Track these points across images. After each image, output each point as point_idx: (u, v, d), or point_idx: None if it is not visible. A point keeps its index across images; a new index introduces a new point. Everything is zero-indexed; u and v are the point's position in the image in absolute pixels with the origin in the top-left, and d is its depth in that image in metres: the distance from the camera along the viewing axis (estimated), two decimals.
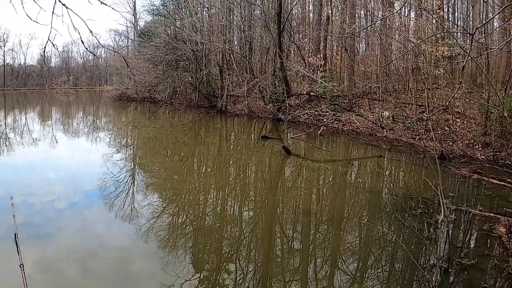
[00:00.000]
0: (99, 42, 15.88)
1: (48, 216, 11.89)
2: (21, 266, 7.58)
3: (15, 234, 9.22)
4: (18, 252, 8.33)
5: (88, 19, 8.91)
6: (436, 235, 9.19)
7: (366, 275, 8.48)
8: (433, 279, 7.45)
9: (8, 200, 11.24)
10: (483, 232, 10.29)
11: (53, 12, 8.45)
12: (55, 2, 8.37)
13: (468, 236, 10.83)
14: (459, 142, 21.06)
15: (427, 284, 7.59)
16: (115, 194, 13.99)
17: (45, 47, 12.53)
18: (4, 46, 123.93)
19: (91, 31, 9.61)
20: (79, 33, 9.35)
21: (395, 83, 31.67)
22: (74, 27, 8.80)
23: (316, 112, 30.40)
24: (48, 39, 9.14)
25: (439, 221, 9.58)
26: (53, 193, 14.18)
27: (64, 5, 8.44)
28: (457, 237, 10.39)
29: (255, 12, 45.73)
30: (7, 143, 25.58)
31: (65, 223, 11.35)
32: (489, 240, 9.96)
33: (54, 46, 10.57)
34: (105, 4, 8.93)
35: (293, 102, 36.42)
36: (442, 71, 24.43)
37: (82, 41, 10.93)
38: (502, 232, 9.76)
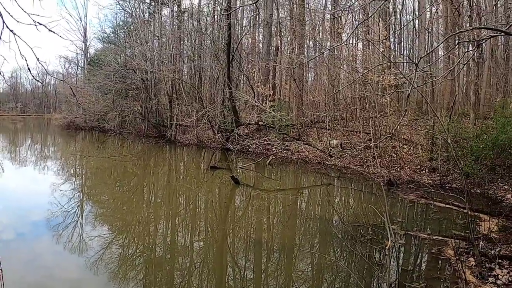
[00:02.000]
0: (46, 70, 15.59)
1: None
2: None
3: None
4: None
5: (35, 46, 8.82)
6: (386, 260, 9.28)
7: None
8: None
9: None
10: (432, 256, 10.49)
11: (0, 38, 8.33)
12: (3, 28, 8.26)
13: (418, 260, 10.98)
14: (406, 168, 21.51)
15: None
16: (64, 225, 13.70)
17: None
18: None
19: (38, 59, 9.50)
20: (26, 60, 9.23)
21: (343, 111, 32.23)
22: (21, 54, 8.70)
23: (265, 142, 30.63)
24: None
25: (387, 247, 9.71)
26: None
27: (11, 31, 8.34)
28: (407, 261, 10.55)
29: (205, 42, 46.01)
30: None
31: (12, 255, 11.03)
32: (439, 263, 10.13)
33: (1, 73, 10.45)
34: (53, 32, 8.83)
35: (242, 131, 36.63)
36: (388, 99, 24.97)
37: (29, 69, 10.75)
38: (451, 254, 10.00)
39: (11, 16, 8.16)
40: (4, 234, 12.88)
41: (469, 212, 11.07)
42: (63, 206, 16.36)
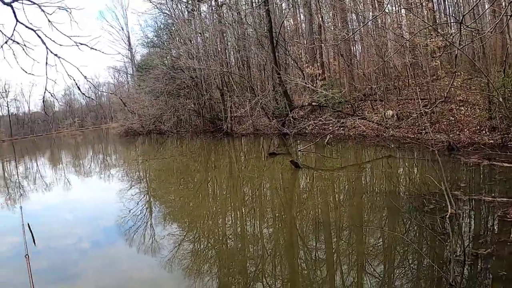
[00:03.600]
0: (94, 86, 16.10)
1: (72, 257, 11.99)
2: (27, 256, 7.82)
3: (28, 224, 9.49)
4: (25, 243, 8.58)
5: (81, 65, 9.15)
6: (449, 229, 9.20)
7: (391, 278, 8.53)
8: (450, 273, 7.50)
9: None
10: (499, 219, 10.31)
11: (46, 63, 8.68)
12: (47, 53, 8.60)
13: (484, 224, 10.81)
14: (465, 130, 21.11)
15: (444, 279, 7.64)
16: (135, 229, 14.08)
17: (43, 97, 12.76)
18: (6, 97, 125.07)
19: (85, 77, 9.88)
20: (74, 80, 9.59)
21: (395, 81, 31.77)
22: (68, 75, 9.05)
23: (321, 122, 30.51)
24: (45, 89, 9.40)
25: (447, 216, 9.64)
26: (73, 235, 14.29)
27: (56, 55, 8.67)
28: (472, 228, 10.41)
29: (247, 31, 45.96)
30: (21, 192, 25.76)
31: (90, 263, 11.45)
32: (504, 227, 9.96)
33: (52, 95, 10.88)
34: (95, 49, 9.16)
35: (297, 114, 36.49)
36: (438, 62, 24.53)
37: (78, 87, 11.24)
38: None
39: (53, 41, 8.50)
40: (80, 244, 13.35)
41: None
42: (132, 210, 16.78)
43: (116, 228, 14.58)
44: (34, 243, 10.77)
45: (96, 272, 10.74)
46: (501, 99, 15.69)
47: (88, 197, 22.06)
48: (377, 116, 27.58)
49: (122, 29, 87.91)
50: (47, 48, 8.59)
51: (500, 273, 7.72)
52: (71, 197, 22.48)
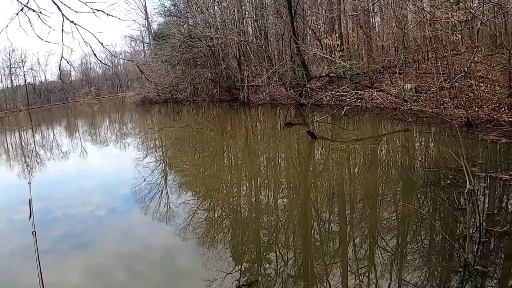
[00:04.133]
0: (111, 53, 16.10)
1: (90, 224, 12.20)
2: (34, 233, 7.87)
3: (30, 200, 9.58)
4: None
5: (98, 32, 9.06)
6: (466, 205, 9.14)
7: (404, 252, 8.51)
8: (466, 249, 7.46)
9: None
10: None
11: (62, 31, 8.61)
12: (63, 20, 8.54)
13: (500, 203, 10.71)
14: (484, 107, 20.86)
15: (460, 255, 7.60)
16: (150, 197, 14.23)
17: (60, 65, 12.77)
18: (23, 67, 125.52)
19: (102, 44, 9.79)
20: (91, 47, 9.52)
21: (414, 54, 31.45)
22: (85, 42, 8.98)
23: (338, 93, 30.33)
24: (62, 56, 9.31)
25: (465, 191, 9.58)
26: (90, 203, 14.46)
27: (72, 21, 8.61)
28: (488, 205, 10.33)
29: (265, 0, 45.63)
30: (38, 160, 25.99)
31: (105, 230, 11.66)
32: None
33: (69, 63, 10.80)
34: (112, 16, 9.05)
35: (314, 85, 36.37)
36: (459, 36, 24.19)
37: (95, 55, 11.17)
38: None
39: (69, 8, 8.44)
40: (98, 211, 13.54)
41: None
42: (147, 178, 16.94)
43: (132, 196, 14.74)
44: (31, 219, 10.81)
45: (112, 239, 10.92)
46: None
47: (104, 165, 22.29)
48: (395, 89, 27.30)
49: None
50: (63, 15, 8.51)
51: None
52: (88, 165, 22.68)
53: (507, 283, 6.99)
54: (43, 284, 5.92)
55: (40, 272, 6.66)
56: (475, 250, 7.82)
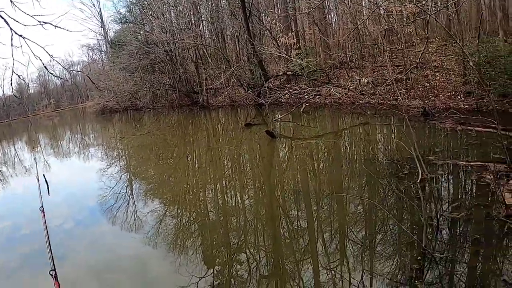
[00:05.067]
0: (62, 66, 15.96)
1: (58, 238, 12.07)
2: (41, 208, 7.89)
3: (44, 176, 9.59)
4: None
5: (48, 44, 9.04)
6: (421, 194, 9.33)
7: (369, 244, 8.69)
8: (423, 238, 7.66)
9: None
10: (472, 183, 10.52)
11: (12, 45, 8.60)
12: (12, 34, 8.53)
13: (457, 189, 10.99)
14: (440, 95, 21.32)
15: (417, 244, 7.80)
16: (117, 207, 14.15)
17: (11, 80, 12.64)
18: None
19: (51, 56, 9.78)
20: (41, 60, 9.52)
21: (370, 48, 31.88)
22: (34, 55, 8.97)
23: (296, 91, 30.59)
24: (13, 71, 9.32)
25: (418, 181, 9.78)
26: (57, 217, 14.32)
27: (21, 35, 8.60)
28: (446, 192, 10.62)
29: (221, 2, 45.76)
30: (1, 177, 25.62)
31: (75, 242, 11.57)
32: (478, 190, 10.15)
33: (19, 77, 10.80)
34: (60, 27, 9.08)
35: (272, 84, 36.53)
36: (413, 28, 24.62)
37: (45, 67, 11.17)
38: (491, 179, 9.78)
39: (18, 22, 8.43)
40: (66, 224, 13.43)
41: (503, 133, 11.04)
42: (113, 188, 16.83)
43: (99, 207, 14.63)
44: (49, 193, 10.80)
45: (81, 251, 10.83)
46: (472, 64, 15.82)
47: (68, 177, 22.02)
48: (352, 83, 27.68)
49: (94, 6, 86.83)
50: (11, 29, 8.50)
51: (474, 237, 7.91)
52: (52, 179, 22.38)
53: (465, 267, 7.19)
54: (53, 259, 5.88)
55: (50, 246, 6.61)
56: (434, 237, 8.04)
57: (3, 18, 8.37)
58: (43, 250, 7.00)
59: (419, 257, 7.43)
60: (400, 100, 22.66)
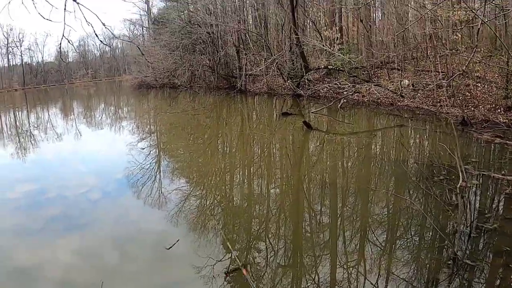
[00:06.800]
0: (113, 34, 16.13)
1: (83, 207, 12.27)
2: None
3: None
4: None
5: (100, 12, 9.05)
6: (458, 201, 9.16)
7: (394, 245, 8.57)
8: (455, 244, 7.52)
9: None
10: (506, 196, 10.30)
11: (65, 9, 8.61)
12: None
13: (491, 201, 10.81)
14: (480, 107, 20.89)
15: (450, 250, 7.66)
16: (143, 181, 14.24)
17: (60, 44, 12.69)
18: (20, 46, 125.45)
19: (104, 24, 9.77)
20: (93, 27, 9.53)
21: (413, 50, 31.43)
22: (87, 21, 8.97)
23: (336, 85, 30.36)
24: (63, 35, 9.33)
25: (458, 187, 9.59)
26: (84, 185, 14.47)
27: (75, 0, 8.60)
28: (480, 202, 10.37)
29: None
30: (32, 141, 25.95)
31: (100, 213, 11.69)
32: (511, 204, 9.96)
33: (69, 42, 10.81)
34: None
35: (312, 76, 36.31)
36: (459, 35, 24.17)
37: (96, 35, 11.14)
38: None
39: None
40: (92, 194, 13.56)
41: None
42: (141, 163, 16.95)
43: (125, 180, 14.77)
44: None
45: (104, 222, 10.98)
46: None
47: (99, 148, 22.26)
48: (392, 84, 27.32)
49: None
50: None
51: (503, 249, 7.74)
52: (82, 148, 22.61)
53: (494, 278, 7.07)
54: None
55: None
56: (465, 245, 7.89)
57: None
58: None
59: (449, 262, 7.31)
60: (439, 107, 22.32)
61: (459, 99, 22.06)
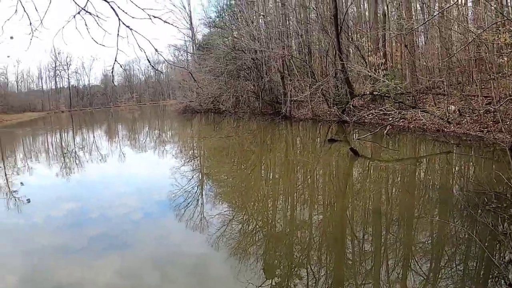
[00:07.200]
0: (164, 58, 16.27)
1: (125, 227, 12.42)
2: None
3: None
4: None
5: (152, 38, 9.26)
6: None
7: (440, 275, 8.36)
8: (510, 275, 7.30)
9: None
10: None
11: (118, 35, 8.82)
12: (119, 25, 8.73)
13: None
14: None
15: (503, 281, 7.44)
16: (185, 205, 14.31)
17: (113, 69, 12.84)
18: (68, 69, 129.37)
19: (156, 50, 9.99)
20: (145, 53, 9.73)
21: (459, 75, 31.05)
22: (139, 46, 9.16)
23: (381, 112, 30.14)
24: (115, 60, 9.53)
25: None
26: (127, 207, 14.65)
27: (128, 27, 8.79)
28: None
29: (310, 16, 45.74)
30: (77, 162, 26.47)
31: (141, 234, 11.77)
32: None
33: (121, 67, 11.00)
34: (168, 23, 9.28)
35: (357, 103, 36.21)
36: (506, 59, 23.79)
37: (148, 59, 11.35)
38: None
39: (126, 13, 8.63)
40: (134, 215, 13.70)
41: None
42: (184, 186, 17.06)
43: (168, 203, 14.87)
44: None
45: (146, 243, 11.06)
46: None
47: (142, 170, 22.51)
48: (439, 110, 26.99)
49: (184, 8, 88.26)
50: (119, 19, 8.73)
51: None
52: (126, 170, 22.92)
53: None
54: None
55: None
56: None
57: (113, 9, 8.62)
58: None
59: None
60: (486, 132, 21.92)
61: (507, 124, 21.63)
